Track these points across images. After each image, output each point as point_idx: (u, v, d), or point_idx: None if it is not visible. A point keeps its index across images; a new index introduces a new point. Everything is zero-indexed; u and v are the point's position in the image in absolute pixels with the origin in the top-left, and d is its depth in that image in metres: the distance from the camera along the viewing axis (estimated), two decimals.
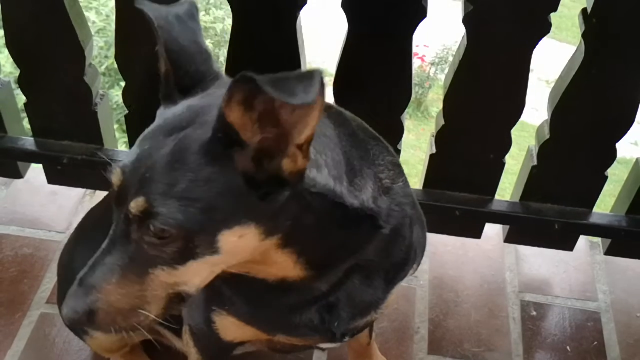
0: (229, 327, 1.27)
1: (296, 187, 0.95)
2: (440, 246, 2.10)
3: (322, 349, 1.78)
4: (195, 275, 1.00)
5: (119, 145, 2.07)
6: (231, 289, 1.21)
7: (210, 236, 0.94)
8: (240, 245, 0.97)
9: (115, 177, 0.98)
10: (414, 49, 1.77)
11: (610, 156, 1.80)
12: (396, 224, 1.17)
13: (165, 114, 1.01)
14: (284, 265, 1.07)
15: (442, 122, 1.79)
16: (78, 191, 2.16)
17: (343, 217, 1.06)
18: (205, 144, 0.92)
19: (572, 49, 1.73)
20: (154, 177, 0.92)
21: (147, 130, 1.00)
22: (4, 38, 1.75)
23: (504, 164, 1.86)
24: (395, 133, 1.78)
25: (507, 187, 2.24)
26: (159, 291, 1.00)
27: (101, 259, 0.99)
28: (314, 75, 0.80)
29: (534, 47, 1.61)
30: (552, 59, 4.65)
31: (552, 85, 1.78)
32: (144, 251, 0.96)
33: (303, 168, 0.93)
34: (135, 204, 0.93)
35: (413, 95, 1.78)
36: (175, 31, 1.01)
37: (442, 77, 7.56)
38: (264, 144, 0.90)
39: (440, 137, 1.82)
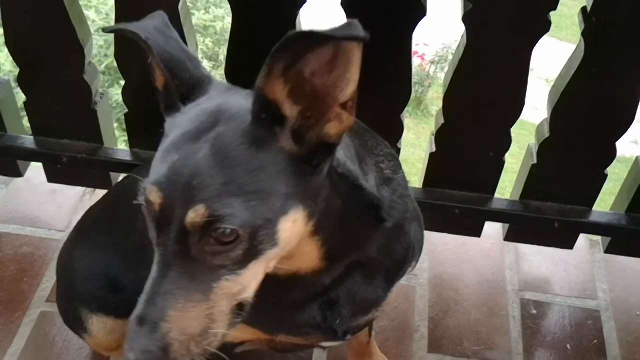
0: None
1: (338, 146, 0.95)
2: (440, 245, 2.10)
3: (323, 348, 1.78)
4: (254, 277, 0.97)
5: (119, 144, 2.07)
6: None
7: (272, 227, 0.92)
8: (293, 232, 0.96)
9: (154, 195, 0.92)
10: (414, 48, 1.77)
11: (610, 154, 1.80)
12: (399, 217, 1.18)
13: (179, 122, 0.98)
14: (308, 257, 1.07)
15: (442, 120, 1.79)
16: (77, 190, 2.16)
17: (359, 202, 1.07)
18: (247, 132, 0.91)
19: (571, 47, 1.73)
20: (204, 182, 0.89)
21: (166, 143, 0.96)
22: (3, 37, 1.74)
23: (503, 162, 1.86)
24: (395, 131, 1.78)
25: (507, 186, 2.24)
26: (224, 305, 0.96)
27: (157, 288, 0.93)
28: (353, 22, 0.81)
29: (534, 45, 1.61)
30: (552, 57, 4.65)
31: (551, 83, 1.78)
32: (205, 265, 0.92)
33: (348, 125, 0.93)
34: (195, 214, 0.88)
35: (413, 94, 1.78)
36: (161, 42, 1.01)
37: (441, 76, 7.55)
38: (305, 114, 0.91)
39: (440, 136, 1.82)
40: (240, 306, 0.98)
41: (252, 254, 0.93)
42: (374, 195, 1.10)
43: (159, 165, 0.94)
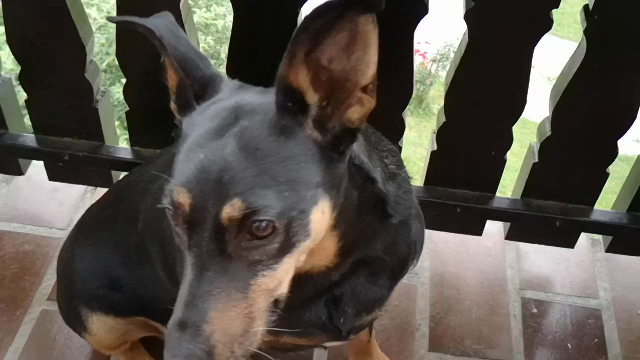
0: None
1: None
2: (442, 243, 2.10)
3: (325, 347, 1.78)
4: (288, 272, 0.97)
5: (120, 142, 2.07)
6: None
7: (305, 217, 0.92)
8: (323, 224, 0.96)
9: (183, 196, 0.90)
10: (415, 46, 1.77)
11: (611, 153, 1.80)
12: (405, 214, 1.18)
13: (199, 121, 0.97)
14: (326, 252, 1.07)
15: (444, 119, 1.79)
16: (79, 188, 2.16)
17: (371, 195, 1.08)
18: (273, 123, 0.91)
19: (574, 45, 1.73)
20: (237, 176, 0.88)
21: (188, 143, 0.94)
22: (5, 35, 1.74)
23: (505, 160, 1.86)
24: (396, 130, 1.78)
25: (509, 184, 2.24)
26: (262, 303, 0.95)
27: (195, 290, 0.91)
28: None
29: (536, 43, 1.60)
30: (554, 55, 4.64)
31: (553, 82, 1.78)
32: (242, 262, 0.91)
33: (370, 109, 0.93)
34: (232, 208, 0.87)
35: (414, 92, 1.78)
36: (173, 41, 1.01)
37: (443, 74, 7.55)
38: (326, 102, 0.92)
39: (442, 134, 1.82)
40: (275, 303, 0.98)
41: (286, 247, 0.92)
42: (382, 190, 1.11)
43: (184, 165, 0.92)
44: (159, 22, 1.02)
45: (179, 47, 1.00)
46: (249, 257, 0.91)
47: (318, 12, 0.83)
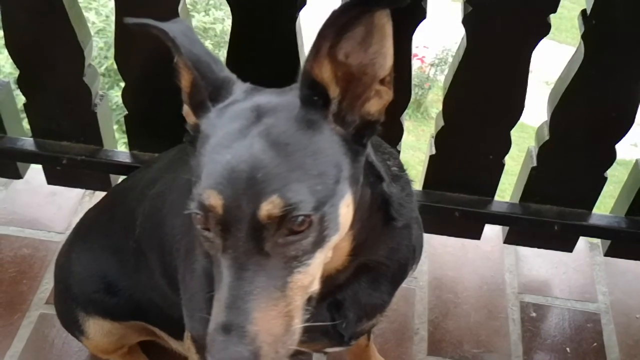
0: None
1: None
2: (440, 247, 2.10)
3: (325, 352, 1.78)
4: (319, 268, 0.97)
5: (119, 146, 2.07)
6: None
7: (335, 210, 0.93)
8: (348, 217, 0.97)
9: (214, 198, 0.89)
10: (414, 50, 1.77)
11: (609, 157, 1.80)
12: (408, 218, 1.18)
13: (219, 123, 0.96)
14: (340, 253, 1.07)
15: (442, 123, 1.79)
16: (77, 192, 2.16)
17: (380, 195, 1.08)
18: (300, 118, 0.92)
19: (571, 50, 1.73)
20: (271, 172, 0.88)
21: (212, 145, 0.94)
22: (3, 39, 1.74)
23: (503, 165, 1.86)
24: (395, 134, 1.78)
25: (507, 189, 2.24)
26: (299, 300, 0.95)
27: (235, 291, 0.90)
28: None
29: (534, 48, 1.61)
30: (552, 60, 4.65)
31: (551, 86, 1.78)
32: (279, 259, 0.91)
33: (388, 100, 0.95)
34: (272, 205, 0.87)
35: (413, 97, 1.78)
36: (187, 43, 1.01)
37: (441, 78, 7.56)
38: (346, 96, 0.93)
39: (440, 138, 1.82)
40: (309, 300, 0.98)
41: (319, 241, 0.93)
42: (386, 191, 1.11)
43: (211, 168, 0.92)
44: (174, 26, 1.03)
45: (193, 49, 1.00)
46: (286, 254, 0.91)
47: (347, 7, 0.84)
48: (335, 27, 0.86)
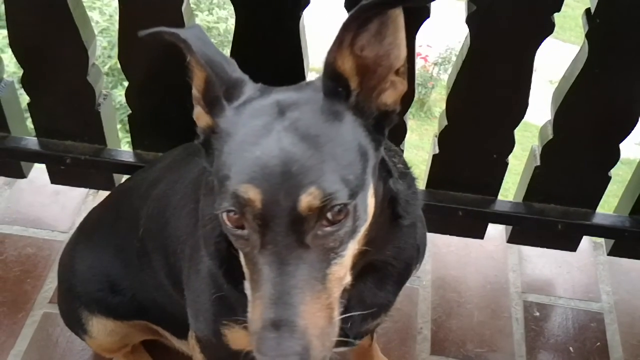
0: (242, 338, 1.23)
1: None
2: (443, 247, 2.10)
3: None
4: (350, 259, 0.97)
5: (122, 146, 2.07)
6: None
7: (365, 200, 0.94)
8: (372, 207, 0.98)
9: (252, 192, 0.88)
10: (417, 49, 1.77)
11: (613, 156, 1.80)
12: (414, 216, 1.19)
13: (240, 120, 0.96)
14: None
15: (445, 122, 1.78)
16: (81, 191, 2.16)
17: (389, 190, 1.09)
18: (325, 109, 0.93)
19: (575, 49, 1.73)
20: (305, 165, 0.88)
21: (236, 142, 0.94)
22: (7, 38, 1.75)
23: (507, 164, 1.85)
24: (398, 133, 1.78)
25: (511, 188, 2.24)
26: (337, 292, 0.95)
27: (280, 287, 0.89)
28: None
29: (538, 47, 1.60)
30: (556, 59, 4.64)
31: (555, 85, 1.77)
32: (318, 251, 0.91)
33: (403, 91, 0.97)
34: (311, 197, 0.87)
35: (416, 96, 1.78)
36: (199, 44, 1.01)
37: (445, 78, 7.55)
38: (363, 88, 0.95)
39: (443, 138, 1.82)
40: (343, 293, 0.98)
41: (352, 231, 0.94)
42: (392, 188, 1.11)
43: (240, 165, 0.91)
44: (186, 30, 1.03)
45: (206, 50, 1.00)
46: (325, 245, 0.91)
47: (377, 2, 0.86)
48: (358, 21, 0.88)
